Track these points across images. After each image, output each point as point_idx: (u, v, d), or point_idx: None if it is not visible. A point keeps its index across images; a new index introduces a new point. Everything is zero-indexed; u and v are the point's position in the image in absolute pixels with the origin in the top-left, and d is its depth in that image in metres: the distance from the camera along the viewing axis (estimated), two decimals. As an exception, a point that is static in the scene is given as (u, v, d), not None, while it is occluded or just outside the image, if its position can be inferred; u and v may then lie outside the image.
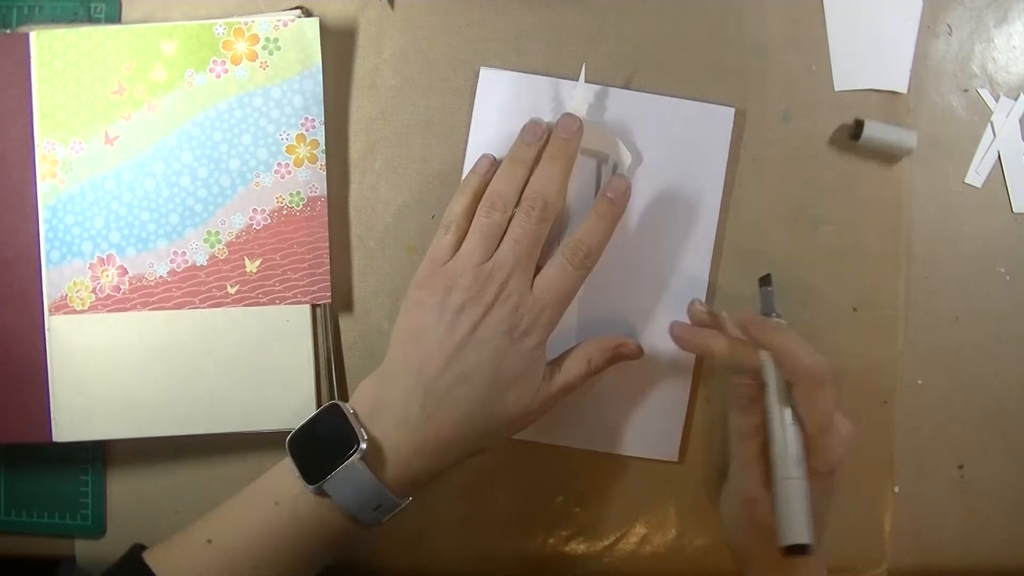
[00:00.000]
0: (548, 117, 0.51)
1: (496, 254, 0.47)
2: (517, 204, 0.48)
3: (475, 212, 0.48)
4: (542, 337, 0.47)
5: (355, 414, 0.45)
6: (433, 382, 0.45)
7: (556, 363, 0.49)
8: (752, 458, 0.47)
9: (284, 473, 0.45)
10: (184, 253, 0.50)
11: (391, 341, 0.48)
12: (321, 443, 0.45)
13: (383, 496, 0.44)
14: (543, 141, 0.49)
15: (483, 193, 0.49)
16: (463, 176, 0.52)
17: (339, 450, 0.44)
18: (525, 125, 0.49)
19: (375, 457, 0.44)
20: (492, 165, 0.50)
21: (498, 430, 0.47)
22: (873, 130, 0.52)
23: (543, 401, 0.47)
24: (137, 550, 0.46)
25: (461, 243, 0.48)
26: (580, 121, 0.49)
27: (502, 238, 0.47)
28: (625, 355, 0.50)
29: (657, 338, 0.52)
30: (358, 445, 0.44)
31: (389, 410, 0.45)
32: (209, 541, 0.45)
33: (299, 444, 0.45)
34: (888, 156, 0.53)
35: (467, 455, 0.46)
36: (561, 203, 0.49)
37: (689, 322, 0.51)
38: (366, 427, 0.45)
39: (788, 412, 0.44)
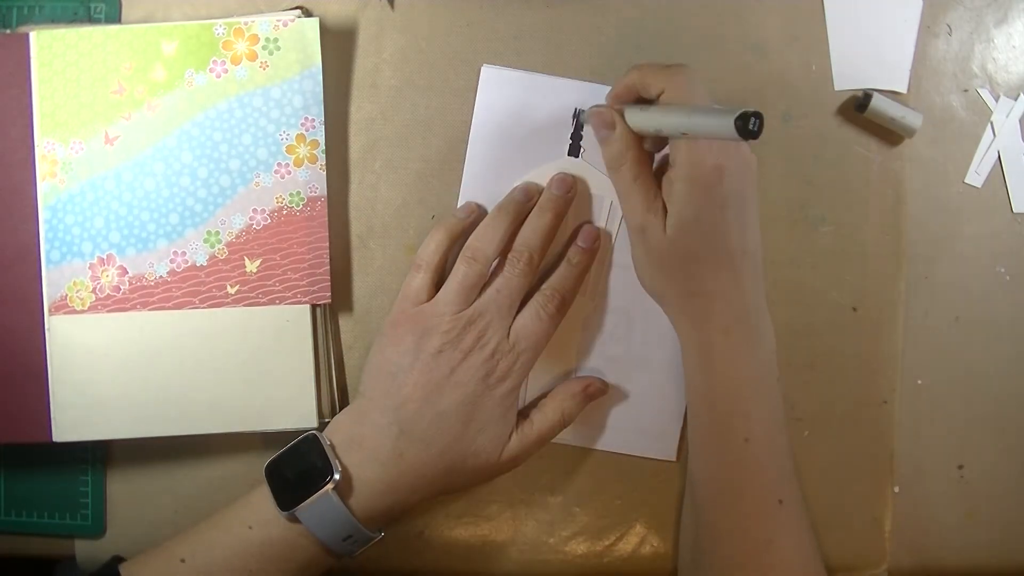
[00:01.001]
0: (549, 116, 0.51)
1: (477, 303, 0.48)
2: (499, 254, 0.49)
3: (448, 252, 0.49)
4: (516, 382, 0.48)
5: (331, 446, 0.46)
6: (408, 421, 0.47)
7: (528, 414, 0.50)
8: (628, 186, 0.47)
9: (259, 498, 0.46)
10: (184, 253, 0.50)
11: (364, 376, 0.49)
12: (297, 472, 0.46)
13: (353, 527, 0.45)
14: (533, 202, 0.50)
15: (459, 235, 0.50)
16: (463, 177, 0.52)
17: (313, 480, 0.45)
18: (517, 186, 0.51)
19: (347, 489, 0.46)
20: (473, 211, 0.51)
21: (467, 472, 0.48)
22: (880, 103, 0.52)
23: (518, 452, 0.49)
24: (115, 562, 0.47)
25: (435, 282, 0.49)
26: (575, 180, 0.50)
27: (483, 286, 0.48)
28: (593, 395, 0.51)
29: (655, 337, 0.52)
30: (332, 476, 0.45)
31: (363, 445, 0.47)
32: (183, 560, 0.46)
33: (276, 471, 0.46)
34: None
35: (436, 493, 0.48)
36: (544, 256, 0.49)
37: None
38: (341, 459, 0.46)
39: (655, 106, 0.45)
